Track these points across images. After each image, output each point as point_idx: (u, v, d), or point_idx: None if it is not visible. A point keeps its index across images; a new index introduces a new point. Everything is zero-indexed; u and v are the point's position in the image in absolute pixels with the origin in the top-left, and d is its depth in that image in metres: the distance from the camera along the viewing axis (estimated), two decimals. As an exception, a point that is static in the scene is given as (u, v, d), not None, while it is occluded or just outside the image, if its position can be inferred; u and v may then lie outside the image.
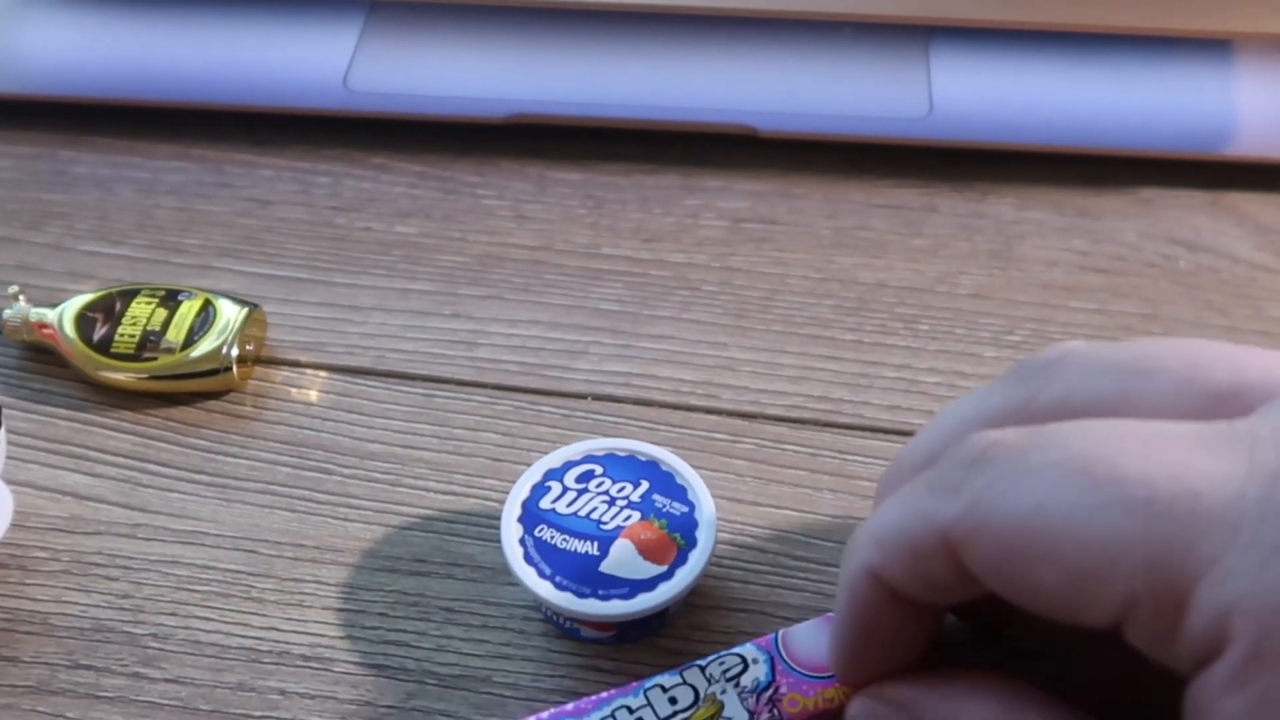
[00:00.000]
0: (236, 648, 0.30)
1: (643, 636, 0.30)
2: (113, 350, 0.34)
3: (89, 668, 0.29)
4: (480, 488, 0.33)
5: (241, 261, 0.38)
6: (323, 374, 0.35)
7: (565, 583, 0.28)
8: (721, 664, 0.27)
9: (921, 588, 0.23)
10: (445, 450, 0.33)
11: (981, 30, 0.42)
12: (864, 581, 0.23)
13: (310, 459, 0.33)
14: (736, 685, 0.27)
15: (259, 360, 0.36)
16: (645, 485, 0.29)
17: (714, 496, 0.31)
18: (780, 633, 0.27)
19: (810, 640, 0.27)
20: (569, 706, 0.27)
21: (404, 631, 0.30)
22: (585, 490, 0.29)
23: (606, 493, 0.29)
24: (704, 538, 0.29)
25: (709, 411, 0.34)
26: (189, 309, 0.35)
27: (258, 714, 0.28)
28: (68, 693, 0.29)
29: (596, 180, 0.41)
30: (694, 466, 0.31)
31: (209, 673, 0.29)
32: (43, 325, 0.35)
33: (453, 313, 0.37)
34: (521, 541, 0.29)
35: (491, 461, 0.33)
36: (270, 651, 0.29)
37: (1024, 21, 0.42)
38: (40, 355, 0.35)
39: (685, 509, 0.29)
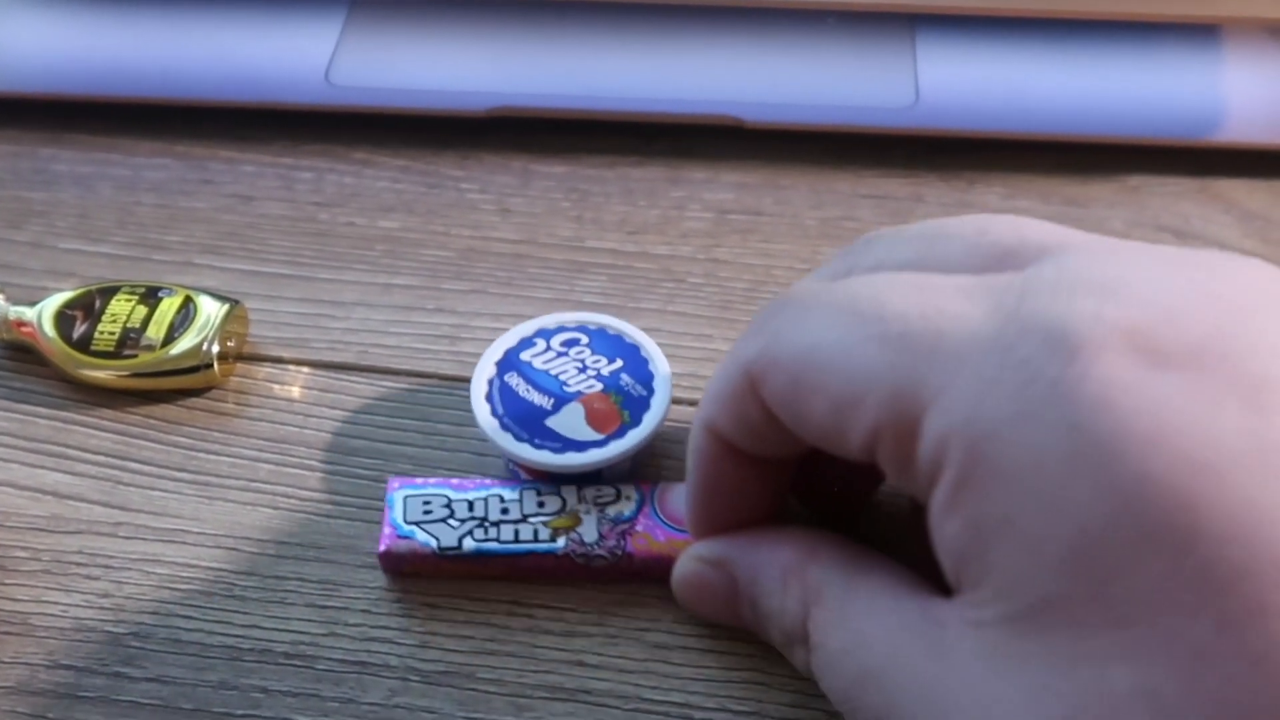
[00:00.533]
0: (218, 646, 0.29)
1: None
2: (93, 348, 0.34)
3: (69, 667, 0.29)
4: (464, 483, 0.32)
5: (223, 258, 0.38)
6: (305, 370, 0.35)
7: (510, 425, 0.30)
8: (598, 490, 0.30)
9: (746, 435, 0.25)
10: (429, 446, 0.33)
11: (968, 18, 0.42)
12: (702, 436, 0.26)
13: (293, 456, 0.33)
14: (601, 511, 0.30)
15: (241, 357, 0.35)
16: (619, 363, 0.32)
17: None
18: (661, 484, 0.30)
19: (683, 500, 0.29)
20: (454, 480, 0.30)
21: (387, 628, 0.29)
22: (564, 354, 0.32)
23: (582, 361, 0.32)
24: (648, 419, 0.31)
25: (694, 404, 0.34)
26: (169, 306, 0.34)
27: (240, 713, 0.28)
28: (48, 693, 0.29)
29: (581, 173, 0.40)
30: (677, 460, 0.31)
31: (190, 671, 0.29)
32: (22, 324, 0.34)
33: (436, 307, 0.36)
34: (489, 381, 0.31)
35: (475, 456, 0.33)
36: (252, 650, 0.29)
37: (1011, 9, 0.42)
38: (20, 354, 0.35)
39: (644, 393, 0.31)
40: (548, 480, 0.31)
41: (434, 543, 0.29)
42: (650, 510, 0.30)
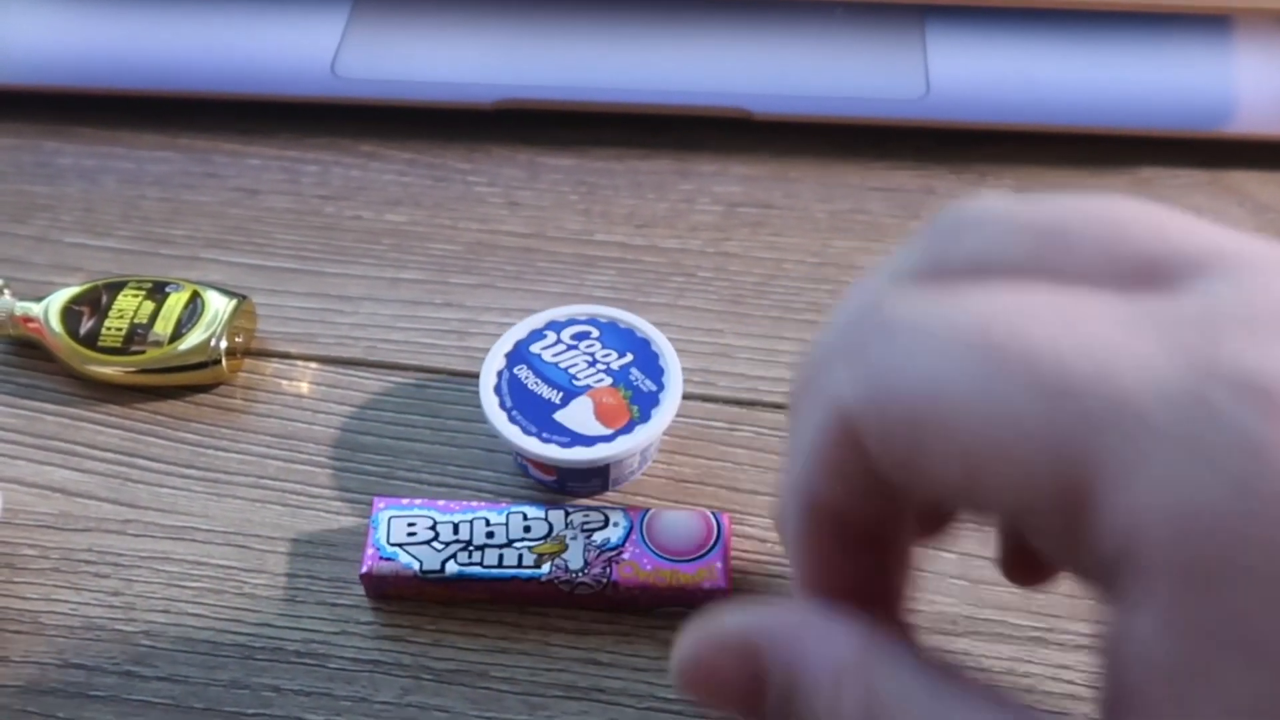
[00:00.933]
0: (229, 644, 0.29)
1: (582, 491, 0.31)
2: (100, 344, 0.33)
3: (80, 666, 0.29)
4: (474, 479, 0.32)
5: (229, 252, 0.38)
6: (313, 365, 0.35)
7: (518, 418, 0.30)
8: (585, 515, 0.29)
9: (847, 493, 0.20)
10: (438, 441, 0.33)
11: (978, 9, 0.42)
12: (798, 512, 0.21)
13: (302, 452, 0.33)
14: (588, 537, 0.29)
15: (248, 352, 0.35)
16: (629, 358, 0.31)
17: (711, 485, 0.31)
18: (650, 511, 0.30)
19: (674, 527, 0.29)
20: (440, 502, 0.30)
21: (399, 626, 0.29)
22: (574, 347, 0.32)
23: (592, 354, 0.32)
24: (658, 416, 0.30)
25: (705, 399, 0.34)
26: (176, 301, 0.34)
27: (251, 712, 0.28)
28: (59, 692, 0.28)
29: (589, 166, 0.40)
30: (689, 456, 0.31)
31: (201, 670, 0.29)
32: (28, 319, 0.34)
33: (444, 302, 0.36)
34: (499, 374, 0.31)
35: (485, 452, 0.33)
36: (264, 648, 0.29)
37: (1021, 1, 0.41)
38: (26, 350, 0.35)
39: (654, 388, 0.31)
40: (552, 474, 0.31)
41: (416, 565, 0.29)
42: (639, 537, 0.29)
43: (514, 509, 0.30)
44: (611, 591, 0.29)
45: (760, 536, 0.31)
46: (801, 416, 0.20)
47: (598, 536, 0.29)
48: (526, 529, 0.29)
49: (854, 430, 0.19)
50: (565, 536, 0.29)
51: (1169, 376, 0.17)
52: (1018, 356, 0.17)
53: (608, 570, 0.29)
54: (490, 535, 0.29)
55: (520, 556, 0.29)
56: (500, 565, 0.29)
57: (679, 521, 0.29)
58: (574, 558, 0.29)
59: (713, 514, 0.29)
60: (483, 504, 0.30)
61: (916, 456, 0.18)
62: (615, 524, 0.29)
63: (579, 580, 0.29)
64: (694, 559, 0.29)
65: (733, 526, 0.31)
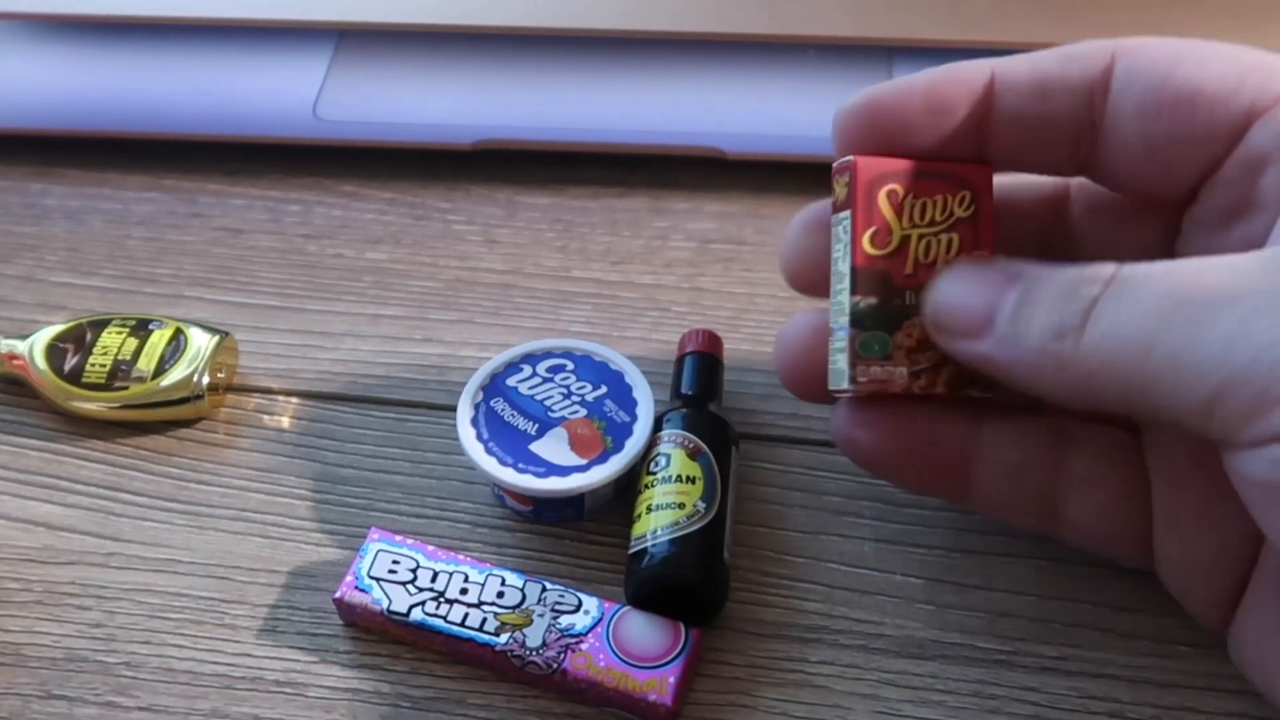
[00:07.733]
0: (210, 675, 0.30)
1: (558, 520, 0.32)
2: (84, 380, 0.34)
3: (62, 698, 0.29)
4: (453, 510, 0.33)
5: (213, 290, 0.38)
6: (294, 400, 0.35)
7: (495, 449, 0.31)
8: (561, 596, 0.29)
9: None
10: (417, 474, 0.34)
11: (943, 50, 0.43)
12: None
13: (282, 485, 0.33)
14: (555, 618, 0.29)
15: (230, 388, 0.36)
16: (603, 390, 0.32)
17: (684, 514, 0.32)
18: (623, 608, 0.29)
19: (640, 632, 0.29)
20: (429, 548, 0.30)
21: (377, 655, 0.30)
22: (550, 380, 0.32)
23: (567, 387, 0.32)
24: (631, 445, 0.31)
25: (679, 431, 0.34)
26: (159, 338, 0.35)
27: (231, 741, 0.29)
28: (40, 723, 0.29)
29: (565, 204, 0.41)
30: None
31: (182, 700, 0.29)
32: (13, 356, 0.35)
33: (424, 337, 0.37)
34: (475, 406, 0.32)
35: (464, 485, 0.33)
36: (244, 678, 0.30)
37: (984, 41, 0.42)
38: (11, 386, 0.36)
39: (627, 419, 0.32)
40: (528, 505, 0.31)
41: (385, 603, 0.29)
42: (603, 631, 0.29)
43: (495, 571, 0.30)
44: (559, 678, 0.28)
45: (731, 564, 0.31)
46: None
47: (564, 620, 0.29)
48: (500, 594, 0.29)
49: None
50: (533, 612, 0.29)
51: None
52: None
53: (561, 656, 0.28)
54: (464, 592, 0.29)
55: (484, 620, 0.29)
56: (463, 624, 0.29)
57: (647, 626, 0.29)
58: (533, 635, 0.29)
59: (684, 628, 0.29)
60: (469, 559, 0.30)
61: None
62: (586, 611, 0.29)
63: (529, 659, 0.28)
64: (650, 666, 0.28)
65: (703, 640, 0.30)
